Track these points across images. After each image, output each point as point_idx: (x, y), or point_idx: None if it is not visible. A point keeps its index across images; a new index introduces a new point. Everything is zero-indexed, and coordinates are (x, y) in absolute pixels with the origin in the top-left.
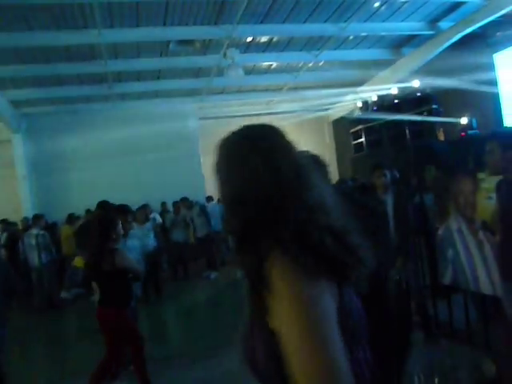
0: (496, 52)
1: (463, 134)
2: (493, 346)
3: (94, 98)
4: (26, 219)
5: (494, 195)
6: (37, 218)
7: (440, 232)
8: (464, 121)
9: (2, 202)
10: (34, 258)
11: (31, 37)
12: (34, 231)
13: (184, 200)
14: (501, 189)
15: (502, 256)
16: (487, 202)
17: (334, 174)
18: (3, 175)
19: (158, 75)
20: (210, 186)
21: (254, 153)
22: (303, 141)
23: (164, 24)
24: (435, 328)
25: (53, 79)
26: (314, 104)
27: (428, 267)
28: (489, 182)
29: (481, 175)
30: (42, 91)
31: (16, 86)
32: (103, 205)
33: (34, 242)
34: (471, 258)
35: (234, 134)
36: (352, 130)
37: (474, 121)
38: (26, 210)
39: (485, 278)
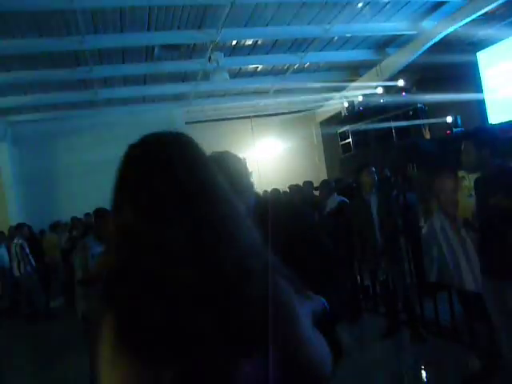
0: (479, 51)
1: (449, 132)
2: (478, 342)
3: (79, 104)
4: (12, 228)
5: (474, 193)
6: (19, 227)
7: (424, 230)
8: (449, 119)
9: None
10: (15, 268)
11: (15, 44)
12: (15, 240)
13: None
14: (478, 186)
15: (479, 252)
16: (468, 199)
17: (322, 175)
18: None
19: (143, 80)
20: None
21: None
22: (292, 142)
23: (148, 29)
24: (421, 326)
25: (38, 86)
26: (300, 105)
27: (413, 266)
28: (470, 180)
29: (462, 173)
30: (27, 98)
31: (1, 94)
32: (101, 212)
33: (14, 251)
34: (455, 255)
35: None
36: (339, 131)
37: (458, 119)
38: (14, 218)
39: (468, 274)
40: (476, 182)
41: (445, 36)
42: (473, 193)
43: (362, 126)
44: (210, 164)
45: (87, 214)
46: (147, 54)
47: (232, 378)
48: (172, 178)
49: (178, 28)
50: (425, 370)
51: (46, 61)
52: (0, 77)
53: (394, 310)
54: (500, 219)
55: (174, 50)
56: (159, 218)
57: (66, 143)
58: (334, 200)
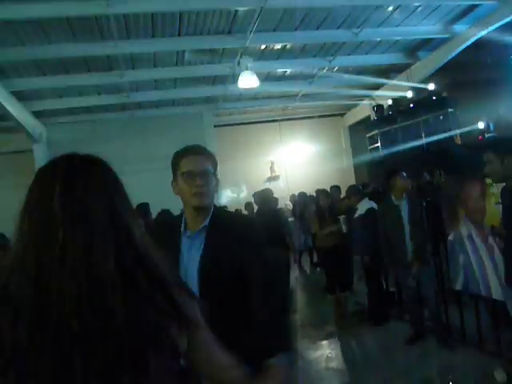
0: None
1: (480, 137)
2: (504, 352)
3: (111, 107)
4: None
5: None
6: None
7: (451, 238)
8: (481, 125)
9: None
10: None
11: (51, 49)
12: None
13: None
14: (504, 195)
15: (505, 261)
16: (496, 207)
17: (350, 179)
18: (25, 185)
19: (174, 84)
20: (227, 193)
21: None
22: (320, 146)
23: (179, 34)
24: (447, 334)
25: (72, 90)
26: (329, 109)
27: (441, 273)
28: (498, 187)
29: (489, 180)
30: (61, 101)
31: (36, 97)
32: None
33: None
34: (482, 263)
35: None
36: (368, 135)
37: (491, 124)
38: None
39: (495, 283)
40: (502, 190)
41: (477, 39)
42: (500, 200)
43: (391, 130)
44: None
45: None
46: (178, 58)
47: None
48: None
49: (208, 33)
50: (449, 379)
51: (81, 65)
52: (37, 81)
53: (420, 317)
54: None
55: (204, 55)
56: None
57: (98, 145)
58: (365, 205)
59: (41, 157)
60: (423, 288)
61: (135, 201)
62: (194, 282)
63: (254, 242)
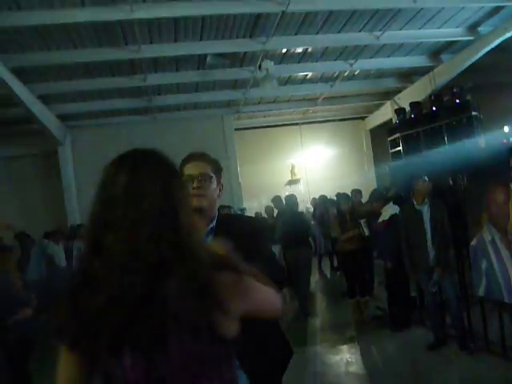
0: None
1: (505, 141)
2: None
3: (134, 110)
4: (73, 227)
5: None
6: (79, 226)
7: (473, 243)
8: (506, 129)
9: (48, 212)
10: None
11: (76, 54)
12: (76, 242)
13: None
14: None
15: None
16: None
17: (372, 183)
18: (50, 186)
19: (195, 87)
20: (249, 195)
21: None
22: (341, 150)
23: (201, 39)
24: (470, 341)
25: (96, 93)
26: (350, 113)
27: (463, 278)
28: None
29: None
30: (86, 105)
31: (62, 101)
32: None
33: (75, 252)
34: (505, 269)
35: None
36: (390, 138)
37: None
38: (71, 219)
39: None
40: None
41: (502, 42)
42: None
43: (413, 133)
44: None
45: None
46: (199, 62)
47: None
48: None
49: (230, 37)
50: None
51: (104, 69)
52: (62, 84)
53: (442, 322)
54: None
55: (226, 59)
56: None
57: (121, 148)
58: (389, 210)
59: (65, 159)
60: (445, 293)
61: None
62: None
63: (259, 242)
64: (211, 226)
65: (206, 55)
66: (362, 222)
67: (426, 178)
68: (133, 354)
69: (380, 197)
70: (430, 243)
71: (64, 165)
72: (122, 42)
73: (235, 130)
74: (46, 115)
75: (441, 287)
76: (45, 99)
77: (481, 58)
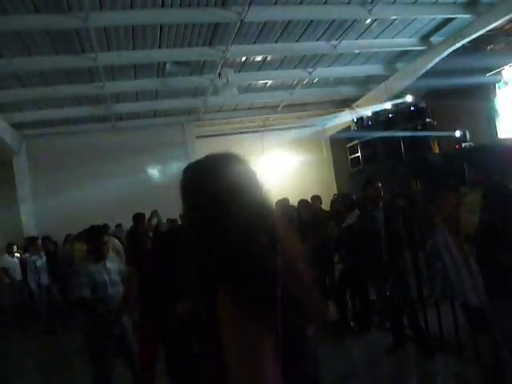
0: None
1: (457, 146)
2: (482, 357)
3: (93, 118)
4: (27, 240)
5: (476, 209)
6: (32, 239)
7: (428, 245)
8: (458, 133)
9: (3, 223)
10: (32, 280)
11: (30, 61)
12: (30, 253)
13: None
14: (481, 203)
15: (480, 268)
16: (470, 215)
17: (332, 190)
18: (4, 196)
19: (155, 95)
20: None
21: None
22: (302, 156)
23: (159, 46)
24: (427, 341)
25: (53, 101)
26: (310, 120)
27: (416, 281)
28: (471, 196)
29: (464, 189)
30: (42, 113)
31: (17, 109)
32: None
33: (31, 263)
34: (458, 270)
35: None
36: (348, 145)
37: (467, 133)
38: (28, 231)
39: (471, 289)
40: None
41: (454, 51)
42: (474, 209)
43: (370, 140)
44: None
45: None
46: (158, 69)
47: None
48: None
49: (189, 45)
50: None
51: (61, 77)
52: (16, 92)
53: (399, 324)
54: (493, 237)
55: (185, 66)
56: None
57: (80, 157)
58: (355, 216)
59: (21, 169)
60: (399, 296)
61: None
62: None
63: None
64: None
65: (165, 63)
66: (332, 223)
67: (379, 184)
68: None
69: (350, 202)
70: (384, 247)
71: (19, 175)
72: (79, 49)
73: (196, 137)
74: None
75: (394, 291)
76: None
77: (434, 66)
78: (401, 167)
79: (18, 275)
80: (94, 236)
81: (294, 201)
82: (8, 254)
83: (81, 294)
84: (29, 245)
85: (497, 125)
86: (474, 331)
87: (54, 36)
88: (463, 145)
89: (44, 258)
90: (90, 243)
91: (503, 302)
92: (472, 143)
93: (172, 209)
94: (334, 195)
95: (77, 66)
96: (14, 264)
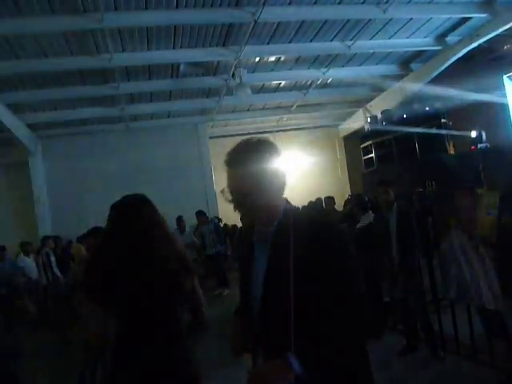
0: (504, 64)
1: (473, 147)
2: (496, 361)
3: (107, 119)
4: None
5: (492, 210)
6: (44, 239)
7: (443, 247)
8: (473, 134)
9: (19, 223)
10: (43, 276)
11: (46, 62)
12: (42, 251)
13: (200, 214)
14: (498, 204)
15: (498, 270)
16: (487, 217)
17: (346, 190)
18: (20, 197)
19: (169, 96)
20: (225, 203)
21: None
22: (315, 157)
23: (173, 47)
24: (440, 344)
25: (68, 102)
26: (324, 120)
27: (430, 283)
28: (488, 197)
29: (481, 190)
30: (57, 114)
31: (33, 110)
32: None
33: (40, 261)
34: (474, 272)
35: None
36: (362, 146)
37: (483, 134)
38: (43, 230)
39: (487, 292)
40: (500, 199)
41: (469, 51)
42: (491, 210)
43: (385, 140)
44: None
45: None
46: (172, 70)
47: None
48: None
49: (203, 45)
50: None
51: (76, 78)
52: (32, 94)
53: (412, 327)
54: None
55: (199, 67)
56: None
57: (94, 157)
58: (369, 218)
59: (36, 169)
60: (411, 299)
61: None
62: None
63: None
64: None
65: (179, 64)
66: (344, 227)
67: (392, 185)
68: None
69: (364, 203)
70: (395, 250)
71: (35, 175)
72: (94, 51)
73: (210, 138)
74: (15, 125)
75: (406, 293)
76: (14, 108)
77: (449, 66)
78: (415, 168)
79: (34, 274)
80: (91, 237)
81: (306, 201)
82: (24, 253)
83: None
84: (43, 244)
85: None
86: (490, 334)
87: (69, 37)
88: (479, 146)
89: (53, 258)
90: (88, 244)
91: None
92: (488, 144)
93: (188, 209)
94: (348, 196)
95: (92, 66)
96: (29, 263)
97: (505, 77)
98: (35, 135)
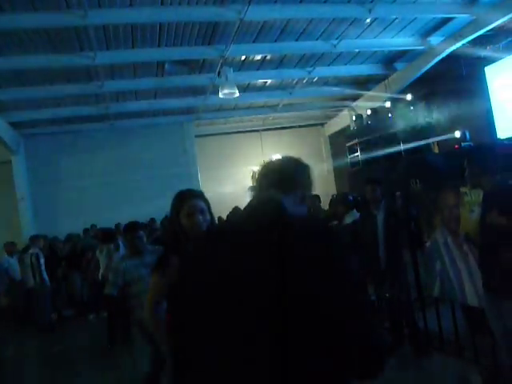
0: (487, 65)
1: (457, 146)
2: (480, 357)
3: (91, 118)
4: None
5: (476, 208)
6: (34, 238)
7: (428, 245)
8: (457, 133)
9: (2, 222)
10: (30, 278)
11: (29, 60)
12: (31, 251)
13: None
14: (482, 203)
15: (480, 268)
16: (470, 215)
17: (331, 189)
18: (3, 196)
19: (154, 94)
20: (211, 202)
21: None
22: (301, 156)
23: (159, 45)
24: (425, 341)
25: (51, 100)
26: (309, 119)
27: (415, 280)
28: (471, 196)
29: (464, 189)
30: (40, 112)
31: (15, 108)
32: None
33: (29, 261)
34: (458, 270)
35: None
36: (348, 144)
37: (467, 133)
38: (26, 230)
39: (471, 289)
40: (483, 197)
41: (452, 51)
42: (474, 208)
43: (370, 139)
44: None
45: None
46: (158, 68)
47: None
48: None
49: (188, 44)
50: None
51: (60, 76)
52: (14, 91)
53: (397, 324)
54: (497, 236)
55: (184, 65)
56: None
57: (78, 156)
58: (352, 216)
59: (19, 168)
60: (397, 297)
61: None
62: None
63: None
64: None
65: (164, 62)
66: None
67: (378, 185)
68: None
69: (348, 202)
70: (381, 247)
71: (18, 174)
72: (78, 48)
73: (195, 136)
74: None
75: (393, 291)
76: None
77: (433, 66)
78: (400, 167)
79: (18, 275)
80: (128, 231)
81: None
82: (7, 253)
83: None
84: (31, 243)
85: (496, 124)
86: (474, 331)
87: (52, 34)
88: (462, 144)
89: (43, 260)
90: (126, 239)
91: (504, 302)
92: (471, 143)
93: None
94: (333, 195)
95: (75, 64)
96: (14, 264)
97: (486, 69)
98: (18, 134)
